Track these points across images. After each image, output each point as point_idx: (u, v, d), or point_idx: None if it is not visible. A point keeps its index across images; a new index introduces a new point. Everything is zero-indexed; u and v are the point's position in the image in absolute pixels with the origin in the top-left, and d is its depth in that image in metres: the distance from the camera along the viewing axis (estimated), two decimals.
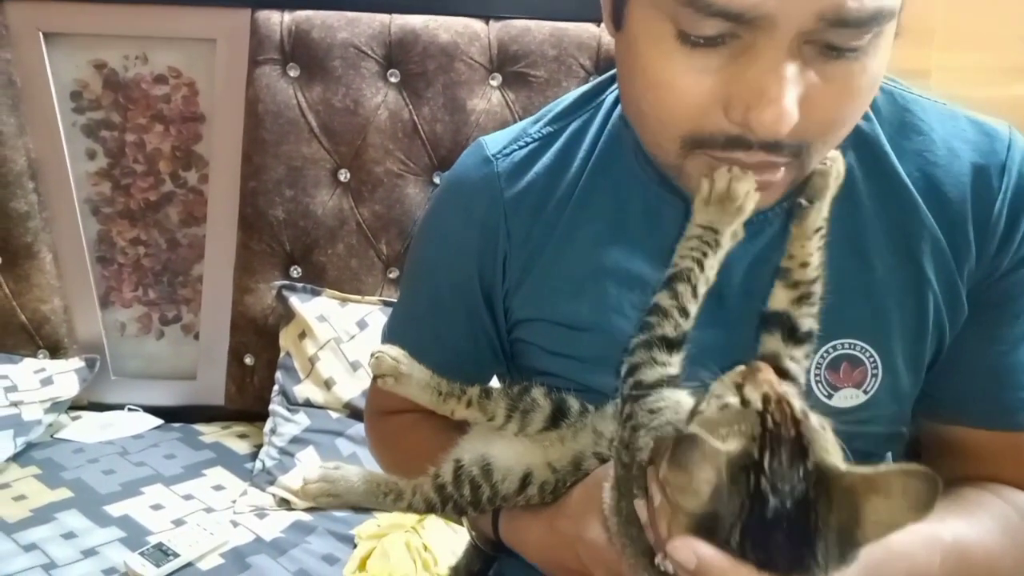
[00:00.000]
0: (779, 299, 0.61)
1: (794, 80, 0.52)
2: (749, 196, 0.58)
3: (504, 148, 0.74)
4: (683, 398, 0.56)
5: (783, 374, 0.58)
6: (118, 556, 1.31)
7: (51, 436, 1.71)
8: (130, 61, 1.76)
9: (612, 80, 0.73)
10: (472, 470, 0.67)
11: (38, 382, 1.72)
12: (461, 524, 1.21)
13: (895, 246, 0.64)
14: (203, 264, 1.84)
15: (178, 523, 1.43)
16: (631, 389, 0.58)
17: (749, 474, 0.44)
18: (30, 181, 1.76)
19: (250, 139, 1.71)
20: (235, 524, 1.43)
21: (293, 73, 1.69)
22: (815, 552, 0.44)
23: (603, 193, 0.69)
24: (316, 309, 1.69)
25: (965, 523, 0.63)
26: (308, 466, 1.51)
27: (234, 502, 1.51)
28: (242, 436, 1.78)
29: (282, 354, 1.71)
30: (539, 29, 1.67)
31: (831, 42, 0.52)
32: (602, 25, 1.65)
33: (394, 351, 0.71)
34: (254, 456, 1.64)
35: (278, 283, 1.73)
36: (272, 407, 1.66)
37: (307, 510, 1.48)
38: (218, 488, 1.56)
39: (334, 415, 1.62)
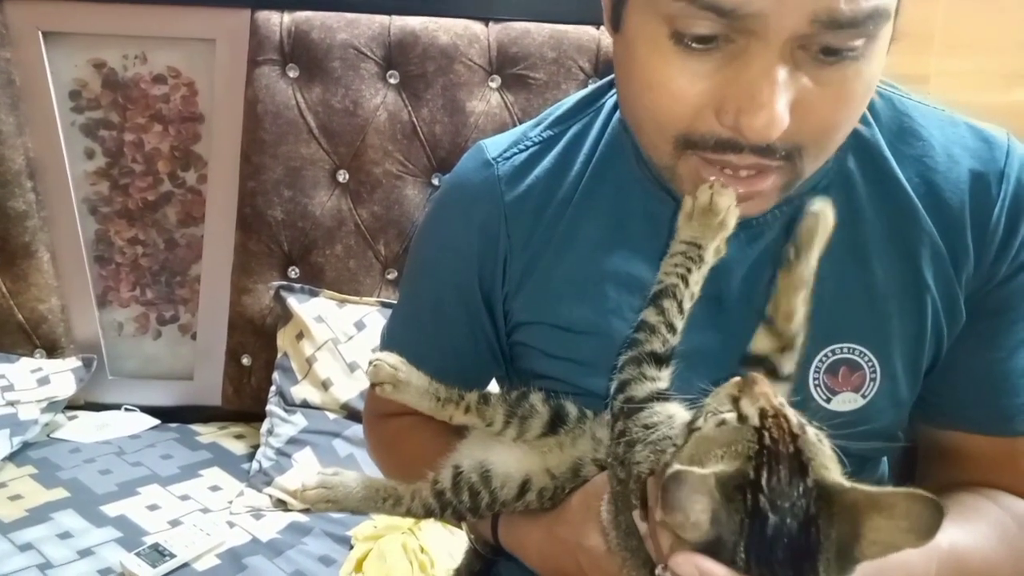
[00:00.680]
0: (762, 344, 0.60)
1: (785, 85, 0.52)
2: (731, 211, 0.59)
3: (504, 152, 0.74)
4: (676, 411, 0.56)
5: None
6: (114, 556, 1.31)
7: (47, 436, 1.71)
8: (129, 61, 1.76)
9: (612, 84, 0.73)
10: (471, 476, 0.67)
11: (35, 381, 1.72)
12: (458, 527, 1.21)
13: (895, 251, 0.65)
14: (201, 264, 1.84)
15: (174, 523, 1.42)
16: (622, 405, 0.58)
17: (746, 493, 0.44)
18: (28, 180, 1.76)
19: (249, 139, 1.71)
20: (231, 525, 1.43)
21: (292, 74, 1.69)
22: (816, 567, 0.44)
23: (603, 197, 0.70)
24: (314, 310, 1.69)
25: (962, 530, 0.63)
26: (307, 472, 1.51)
27: (230, 503, 1.51)
28: (239, 437, 1.77)
29: (279, 355, 1.71)
30: (539, 31, 1.67)
31: (826, 45, 0.52)
32: (602, 28, 1.67)
33: (392, 358, 0.71)
34: (251, 457, 1.64)
35: (276, 284, 1.73)
36: (269, 408, 1.66)
37: (303, 511, 1.48)
38: (215, 489, 1.56)
39: (331, 416, 1.62)
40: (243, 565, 1.31)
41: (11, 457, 1.59)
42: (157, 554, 1.29)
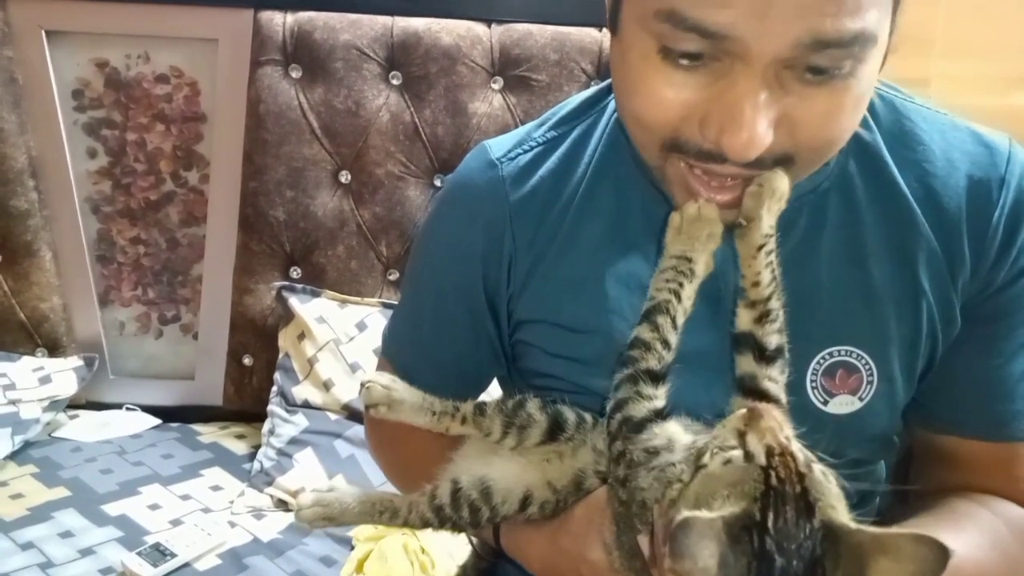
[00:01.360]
0: (743, 320, 0.61)
1: (768, 106, 0.53)
2: (717, 222, 0.60)
3: (508, 152, 0.74)
4: (675, 433, 0.57)
5: (764, 396, 0.58)
6: (115, 556, 1.31)
7: (49, 435, 1.71)
8: (132, 60, 1.77)
9: None
10: (471, 493, 0.67)
11: (36, 380, 1.72)
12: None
13: (893, 254, 0.65)
14: (203, 264, 1.84)
15: (175, 523, 1.43)
16: (620, 426, 0.58)
17: (752, 534, 0.44)
18: (31, 179, 1.76)
19: (251, 139, 1.71)
20: (232, 525, 1.43)
21: (295, 74, 1.69)
22: None
23: (604, 196, 0.70)
24: (315, 310, 1.69)
25: (955, 538, 0.62)
26: (307, 473, 1.51)
27: (232, 503, 1.51)
28: (240, 437, 1.77)
29: (281, 355, 1.71)
30: (541, 33, 1.68)
31: (813, 65, 0.52)
32: (604, 30, 1.67)
33: (384, 378, 0.71)
34: (252, 457, 1.64)
35: (278, 284, 1.73)
36: (270, 408, 1.66)
37: None
38: (216, 488, 1.56)
39: (332, 416, 1.62)
40: (244, 565, 1.31)
41: (12, 456, 1.59)
42: (158, 554, 1.29)
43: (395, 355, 0.82)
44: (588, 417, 0.67)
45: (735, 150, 0.54)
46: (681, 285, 0.60)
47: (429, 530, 0.71)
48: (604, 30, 1.67)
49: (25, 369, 1.74)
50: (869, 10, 0.51)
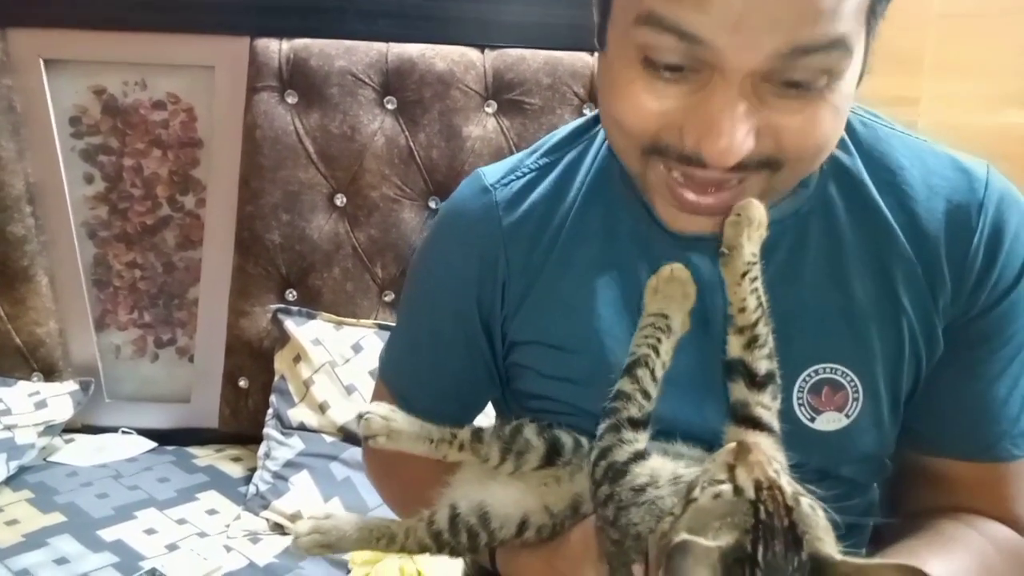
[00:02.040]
0: (733, 346, 0.62)
1: (746, 116, 0.55)
2: (690, 282, 0.64)
3: (502, 178, 0.76)
4: (656, 466, 0.58)
5: (757, 424, 0.59)
6: None
7: (44, 459, 1.70)
8: (129, 87, 1.78)
9: None
10: (469, 519, 0.67)
11: (32, 405, 1.72)
12: None
13: (874, 274, 0.66)
14: (199, 287, 1.85)
15: (171, 548, 1.42)
16: (604, 472, 0.60)
17: (744, 567, 0.45)
18: (28, 205, 1.77)
19: (248, 164, 1.72)
20: (228, 549, 1.42)
21: (291, 100, 1.71)
22: None
23: (594, 219, 0.71)
24: (311, 333, 1.70)
25: (944, 560, 0.64)
26: (303, 496, 1.51)
27: (228, 526, 1.50)
28: (236, 459, 1.77)
29: (277, 377, 1.71)
30: (534, 58, 1.70)
31: (789, 79, 0.54)
32: (595, 54, 1.69)
33: (382, 408, 0.72)
34: (248, 480, 1.64)
35: (273, 306, 1.74)
36: (266, 431, 1.66)
37: None
38: (212, 512, 1.56)
39: (328, 439, 1.62)
40: None
41: (7, 481, 1.58)
42: None
43: (392, 380, 0.83)
44: (585, 442, 0.68)
45: (713, 156, 0.56)
46: (659, 340, 0.63)
47: (427, 555, 0.72)
48: (595, 54, 1.69)
49: (21, 394, 1.74)
50: (843, 19, 0.52)
